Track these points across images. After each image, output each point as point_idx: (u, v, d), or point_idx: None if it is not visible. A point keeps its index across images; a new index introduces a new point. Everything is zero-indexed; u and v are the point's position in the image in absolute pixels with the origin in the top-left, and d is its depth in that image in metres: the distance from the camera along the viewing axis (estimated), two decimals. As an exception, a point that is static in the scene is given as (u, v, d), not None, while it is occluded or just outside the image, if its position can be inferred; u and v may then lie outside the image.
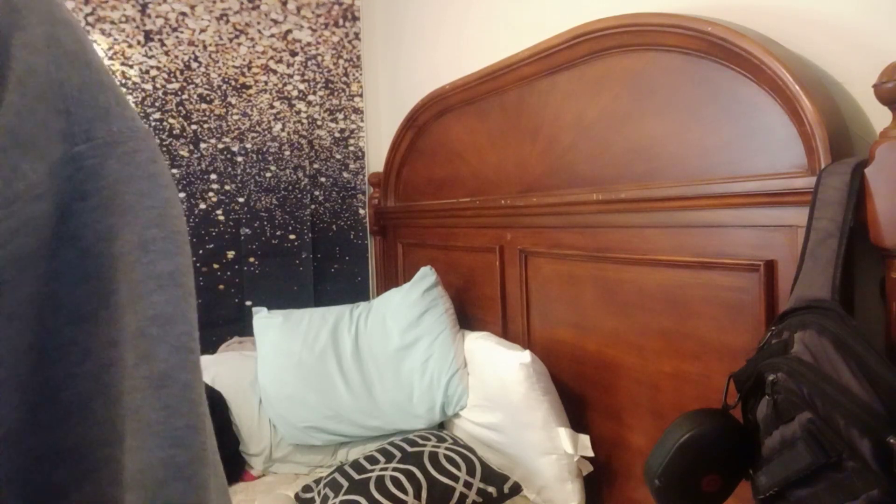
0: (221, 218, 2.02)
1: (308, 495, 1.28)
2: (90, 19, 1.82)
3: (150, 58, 1.91)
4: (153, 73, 1.92)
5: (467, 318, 1.68)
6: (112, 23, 1.85)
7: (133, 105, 0.30)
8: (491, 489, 1.21)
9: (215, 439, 0.31)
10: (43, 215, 0.24)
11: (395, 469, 1.21)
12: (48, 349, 0.24)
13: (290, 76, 2.11)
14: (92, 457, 0.24)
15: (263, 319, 1.64)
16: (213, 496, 0.28)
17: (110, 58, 1.85)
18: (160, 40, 1.93)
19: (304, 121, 2.14)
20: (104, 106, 0.27)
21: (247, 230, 2.05)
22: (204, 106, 2.00)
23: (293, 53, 2.11)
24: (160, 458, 0.26)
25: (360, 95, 2.22)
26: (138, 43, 1.89)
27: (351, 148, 2.22)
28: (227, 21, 2.02)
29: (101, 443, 0.25)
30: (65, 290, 0.24)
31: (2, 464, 0.22)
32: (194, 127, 1.98)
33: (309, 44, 2.13)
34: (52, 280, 0.24)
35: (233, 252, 2.03)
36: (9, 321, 0.22)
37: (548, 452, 1.22)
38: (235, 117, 2.04)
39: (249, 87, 2.06)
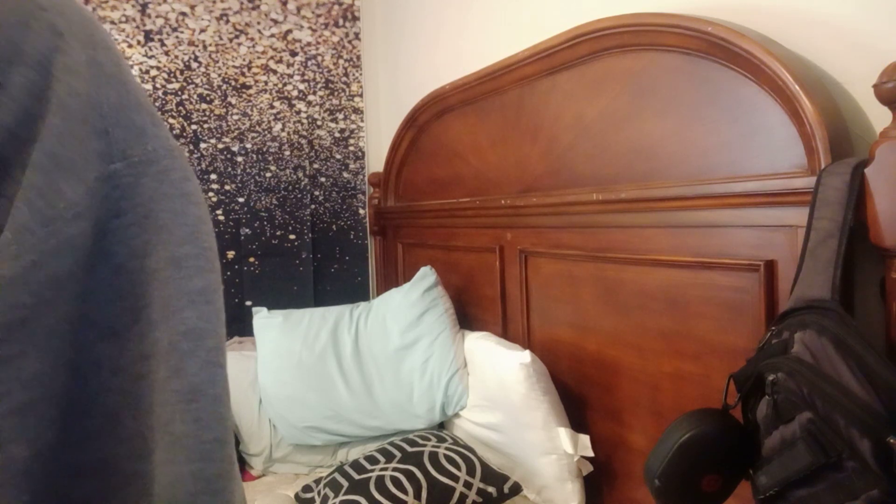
0: (221, 218, 2.02)
1: (308, 495, 1.28)
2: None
3: (150, 58, 1.91)
4: (153, 73, 1.92)
5: (467, 318, 1.68)
6: (112, 23, 1.85)
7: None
8: (491, 489, 1.21)
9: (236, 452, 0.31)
10: (81, 234, 0.24)
11: (395, 469, 1.21)
12: (82, 365, 0.24)
13: (290, 76, 2.11)
14: (122, 471, 0.25)
15: (263, 319, 1.64)
16: None
17: (110, 58, 1.85)
18: (160, 40, 1.93)
19: (304, 121, 2.14)
20: (140, 126, 0.27)
21: (247, 230, 2.05)
22: (204, 106, 2.00)
23: (293, 53, 2.11)
24: (190, 471, 0.27)
25: (360, 95, 2.22)
26: (138, 43, 1.89)
27: (351, 148, 2.22)
28: (227, 21, 2.02)
29: (132, 457, 0.25)
30: (98, 307, 0.25)
31: (37, 481, 0.22)
32: (194, 127, 1.98)
33: (309, 44, 2.13)
34: (87, 297, 0.24)
35: (233, 252, 2.03)
36: (46, 340, 0.23)
37: (548, 452, 1.22)
38: (235, 117, 2.04)
39: (249, 87, 2.06)
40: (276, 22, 2.08)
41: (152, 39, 1.91)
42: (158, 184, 0.27)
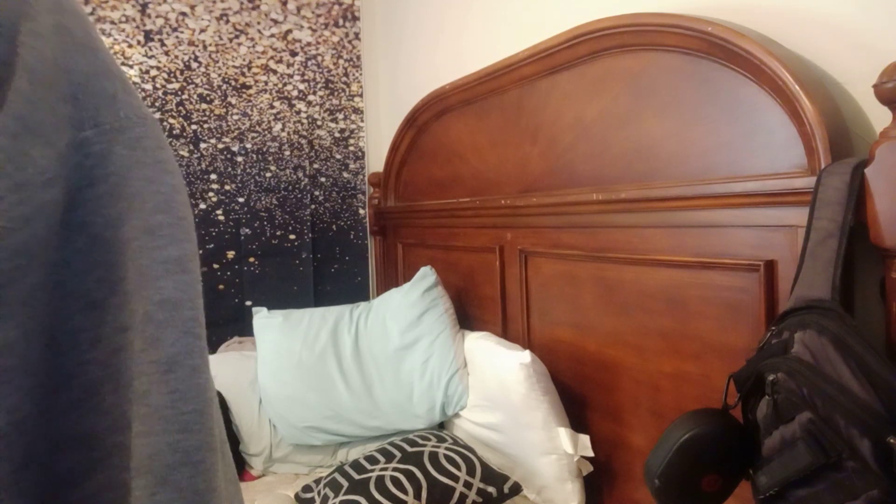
0: (221, 218, 2.02)
1: (308, 495, 1.28)
2: (90, 19, 1.82)
3: (150, 58, 1.91)
4: (153, 73, 1.92)
5: (467, 318, 1.68)
6: (112, 23, 1.85)
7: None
8: (491, 489, 1.21)
9: (224, 427, 0.31)
10: (53, 201, 0.24)
11: (395, 469, 1.21)
12: (59, 337, 0.24)
13: (290, 76, 2.11)
14: (104, 443, 0.25)
15: (263, 319, 1.64)
16: (222, 483, 0.28)
17: (110, 58, 1.85)
18: (160, 40, 1.93)
19: (304, 121, 2.14)
20: (111, 92, 0.27)
21: (247, 230, 2.05)
22: (204, 106, 2.00)
23: (293, 53, 2.11)
24: (168, 443, 0.26)
25: (360, 95, 2.22)
26: (138, 43, 1.89)
27: (351, 148, 2.22)
28: (227, 21, 2.02)
29: (113, 429, 0.25)
30: (75, 278, 0.24)
31: (16, 450, 0.22)
32: (194, 127, 1.98)
33: (309, 44, 2.13)
34: (62, 267, 0.24)
35: (233, 252, 2.03)
36: (21, 307, 0.22)
37: (548, 452, 1.22)
38: (235, 117, 2.04)
39: (249, 87, 2.06)
40: (276, 22, 2.08)
41: (152, 39, 1.91)
42: (131, 151, 0.27)
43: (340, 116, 2.20)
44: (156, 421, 0.26)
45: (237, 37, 2.03)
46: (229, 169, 2.04)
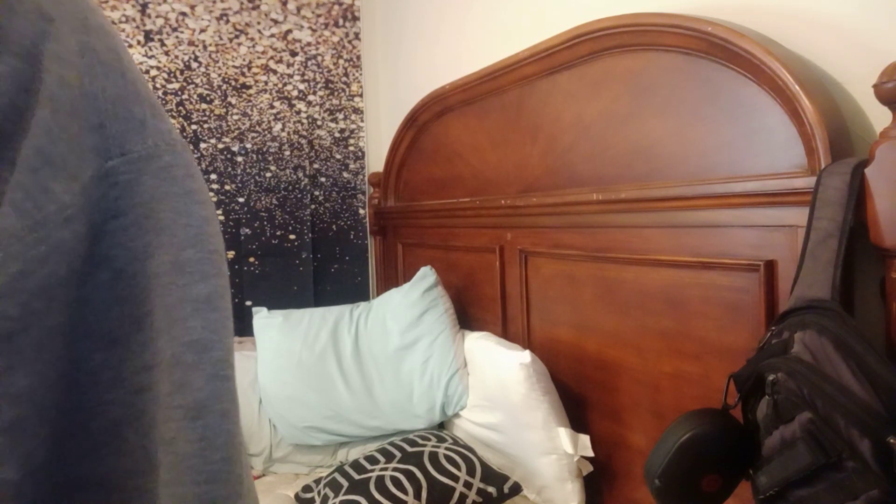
0: (221, 218, 2.02)
1: (308, 495, 1.28)
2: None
3: (150, 58, 1.91)
4: (153, 73, 1.92)
5: (467, 318, 1.68)
6: (112, 23, 1.85)
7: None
8: (491, 489, 1.21)
9: (248, 461, 0.29)
10: (75, 238, 0.22)
11: (395, 469, 1.21)
12: (77, 377, 0.22)
13: (290, 76, 2.11)
14: (124, 487, 0.23)
15: (263, 319, 1.64)
16: None
17: (110, 58, 1.85)
18: (160, 40, 1.93)
19: (304, 121, 2.14)
20: (139, 118, 0.25)
21: (247, 230, 2.05)
22: (204, 106, 2.00)
23: (293, 53, 2.11)
24: (196, 494, 0.25)
25: (360, 95, 2.22)
26: (138, 43, 1.89)
27: (351, 148, 2.22)
28: (227, 21, 2.02)
29: (134, 472, 0.23)
30: (96, 315, 0.23)
31: (28, 500, 0.21)
32: (194, 127, 1.98)
33: (309, 44, 2.13)
34: (83, 306, 0.23)
35: (233, 252, 2.03)
36: (36, 353, 0.21)
37: (548, 452, 1.22)
38: (235, 117, 2.04)
39: (249, 87, 2.06)
40: (276, 22, 2.08)
41: (152, 39, 1.91)
42: (160, 181, 0.25)
43: (340, 116, 2.20)
44: (183, 470, 0.25)
45: (237, 37, 2.03)
46: (229, 169, 2.04)
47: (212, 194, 2.01)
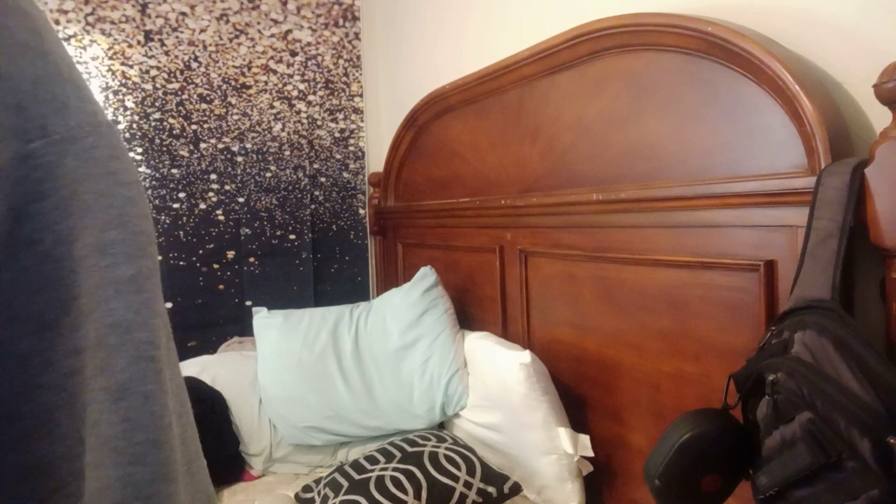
0: (221, 218, 2.02)
1: (308, 495, 1.28)
2: (90, 19, 1.82)
3: (150, 58, 1.91)
4: (153, 73, 1.92)
5: (467, 318, 1.68)
6: (112, 23, 1.85)
7: (96, 97, 0.28)
8: (491, 489, 1.21)
9: (196, 447, 0.29)
10: None
11: (395, 469, 1.21)
12: (6, 362, 0.22)
13: (290, 76, 2.11)
14: (59, 472, 0.23)
15: (263, 319, 1.64)
16: None
17: (110, 58, 1.85)
18: (160, 40, 1.93)
19: (304, 121, 2.14)
20: (61, 99, 0.25)
21: (247, 230, 2.05)
22: (204, 106, 2.00)
23: (293, 53, 2.11)
24: (118, 477, 0.24)
25: (360, 95, 2.22)
26: (138, 43, 1.89)
27: (351, 148, 2.22)
28: (227, 21, 2.02)
29: (69, 456, 0.23)
30: (23, 299, 0.23)
31: None
32: (194, 127, 1.98)
33: (309, 44, 2.13)
34: (9, 289, 0.22)
35: (233, 252, 2.03)
36: None
37: (548, 452, 1.22)
38: (235, 117, 2.04)
39: (249, 87, 2.06)
40: (276, 22, 2.08)
41: (152, 39, 1.91)
42: (83, 163, 0.25)
43: (340, 116, 2.20)
44: (106, 453, 0.24)
45: (237, 37, 2.03)
46: (229, 169, 2.04)
47: (212, 194, 2.01)
